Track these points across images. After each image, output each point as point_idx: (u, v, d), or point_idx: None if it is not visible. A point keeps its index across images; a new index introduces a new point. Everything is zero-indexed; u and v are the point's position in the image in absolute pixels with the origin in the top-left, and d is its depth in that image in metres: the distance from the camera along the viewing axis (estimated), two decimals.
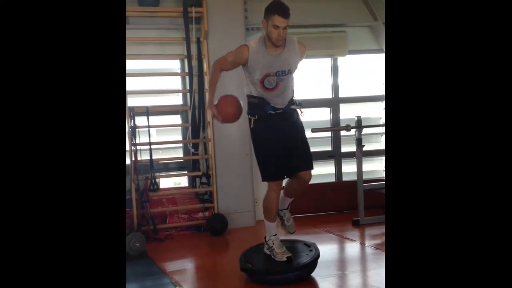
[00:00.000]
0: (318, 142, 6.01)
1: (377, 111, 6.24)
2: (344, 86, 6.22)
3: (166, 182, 5.62)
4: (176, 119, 5.61)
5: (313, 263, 3.62)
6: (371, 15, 5.94)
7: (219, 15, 5.21)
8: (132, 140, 4.94)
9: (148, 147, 5.00)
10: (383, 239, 4.53)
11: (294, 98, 3.64)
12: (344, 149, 6.20)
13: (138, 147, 4.96)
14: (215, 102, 3.60)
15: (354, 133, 5.23)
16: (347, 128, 5.18)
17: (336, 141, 6.21)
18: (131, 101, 5.11)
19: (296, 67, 3.57)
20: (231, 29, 5.26)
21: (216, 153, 5.24)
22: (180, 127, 5.56)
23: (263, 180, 3.65)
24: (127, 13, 4.77)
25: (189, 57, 5.20)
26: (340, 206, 5.81)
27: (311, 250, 3.73)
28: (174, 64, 5.64)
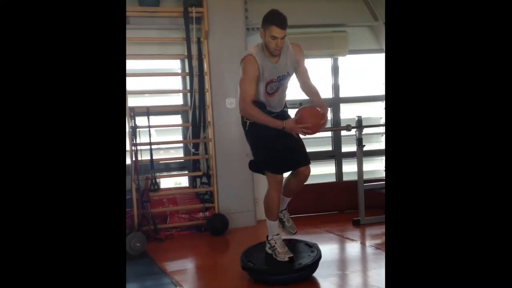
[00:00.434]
0: (319, 142, 6.02)
1: (377, 111, 6.24)
2: (344, 86, 6.23)
3: (167, 182, 5.63)
4: (177, 119, 5.61)
5: (314, 264, 3.62)
6: (371, 15, 5.94)
7: (219, 15, 5.21)
8: (132, 140, 4.94)
9: (148, 147, 5.01)
10: (383, 239, 4.52)
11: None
12: (345, 149, 6.20)
13: (138, 147, 4.97)
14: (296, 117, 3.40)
15: (354, 133, 5.23)
16: (348, 128, 5.18)
17: (337, 141, 6.21)
18: (132, 101, 5.12)
19: (293, 71, 3.58)
20: (232, 29, 5.27)
21: (216, 153, 5.24)
22: (180, 127, 5.56)
23: (267, 170, 3.54)
24: (128, 13, 4.77)
25: (189, 57, 5.20)
26: (340, 206, 5.81)
27: (313, 251, 3.73)
28: (175, 64, 5.64)
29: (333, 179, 6.24)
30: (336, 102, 6.19)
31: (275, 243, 3.65)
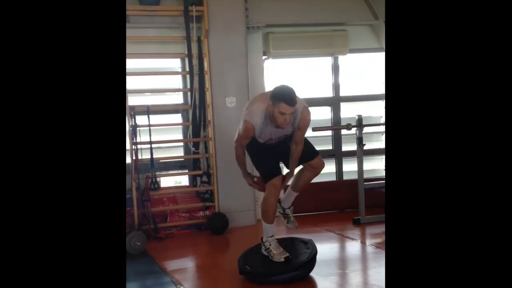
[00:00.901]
0: (319, 141, 6.01)
1: (378, 110, 6.24)
2: (344, 85, 6.22)
3: (167, 181, 5.63)
4: (177, 118, 5.61)
5: (311, 261, 3.63)
6: (371, 14, 5.93)
7: (219, 13, 5.21)
8: (132, 139, 4.94)
9: (148, 146, 5.01)
10: (383, 237, 4.52)
11: None
12: (345, 148, 6.21)
13: (138, 146, 4.97)
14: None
15: (355, 132, 5.24)
16: (348, 127, 5.18)
17: (337, 140, 6.21)
18: (132, 100, 5.12)
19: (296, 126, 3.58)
20: (232, 28, 5.27)
21: (217, 152, 5.24)
22: (180, 126, 5.56)
23: (262, 177, 3.75)
24: (128, 12, 4.78)
25: (189, 56, 5.20)
26: (340, 205, 5.81)
27: (308, 248, 3.74)
28: (175, 63, 5.64)
29: (334, 178, 6.24)
30: (336, 101, 6.19)
31: (270, 245, 3.70)
